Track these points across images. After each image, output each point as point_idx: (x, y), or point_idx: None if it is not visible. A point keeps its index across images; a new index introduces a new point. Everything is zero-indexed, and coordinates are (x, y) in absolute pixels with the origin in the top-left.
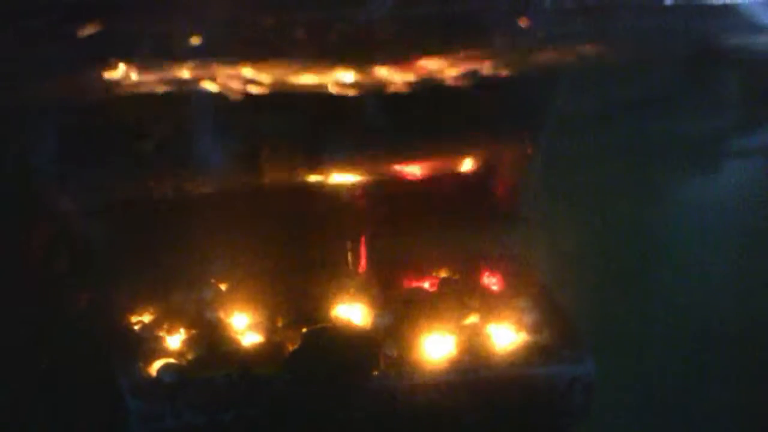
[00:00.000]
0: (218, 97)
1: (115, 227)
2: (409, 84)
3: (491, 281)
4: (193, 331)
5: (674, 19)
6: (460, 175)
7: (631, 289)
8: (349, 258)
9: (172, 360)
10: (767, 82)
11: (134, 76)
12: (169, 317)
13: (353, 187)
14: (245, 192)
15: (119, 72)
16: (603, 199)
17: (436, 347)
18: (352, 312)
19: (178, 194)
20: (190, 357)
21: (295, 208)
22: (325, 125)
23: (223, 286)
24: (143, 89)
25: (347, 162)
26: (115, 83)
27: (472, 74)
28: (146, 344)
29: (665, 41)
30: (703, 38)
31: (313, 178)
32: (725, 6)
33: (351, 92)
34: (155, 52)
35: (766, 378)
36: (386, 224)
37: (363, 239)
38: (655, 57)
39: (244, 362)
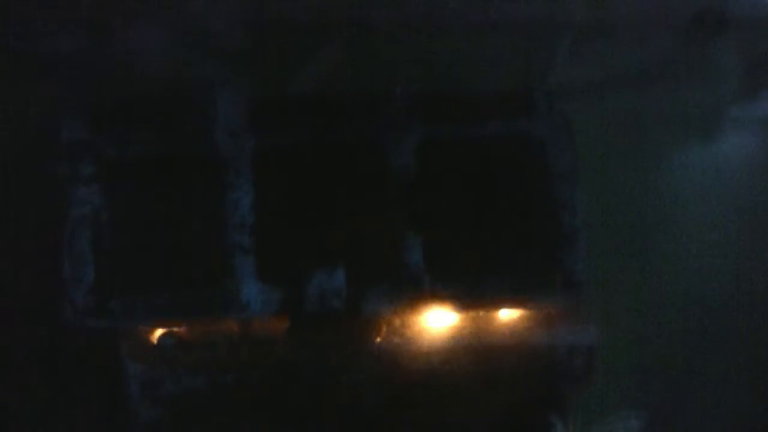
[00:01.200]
0: None
1: None
2: None
3: None
4: None
5: None
6: None
7: (632, 256)
8: None
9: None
10: (762, 49)
11: None
12: None
13: None
14: None
15: None
16: (604, 166)
17: (440, 316)
18: None
19: None
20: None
21: None
22: None
23: None
24: None
25: None
26: None
27: None
28: None
29: (664, 5)
30: (699, 3)
31: None
32: None
33: None
34: None
35: (761, 342)
36: None
37: None
38: (654, 22)
39: (247, 325)
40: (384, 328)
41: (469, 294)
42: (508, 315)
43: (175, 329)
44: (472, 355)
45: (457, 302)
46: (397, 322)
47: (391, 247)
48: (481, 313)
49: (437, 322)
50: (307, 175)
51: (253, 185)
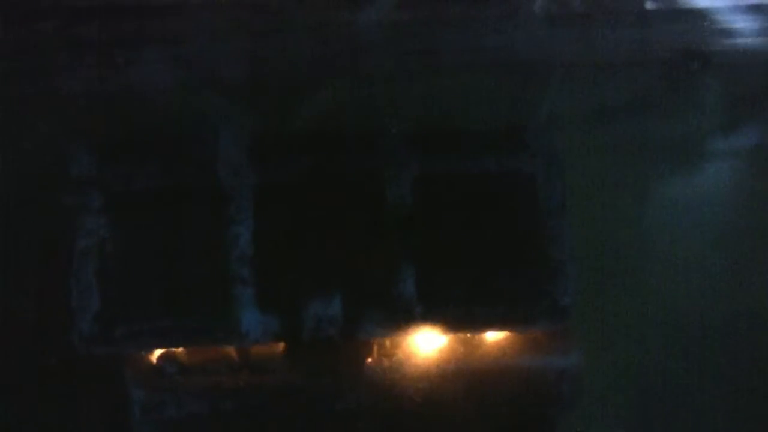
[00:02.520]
0: None
1: None
2: None
3: None
4: None
5: (655, 23)
6: None
7: (616, 284)
8: None
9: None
10: (745, 85)
11: None
12: None
13: None
14: None
15: None
16: (592, 196)
17: (431, 339)
18: None
19: None
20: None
21: None
22: None
23: None
24: None
25: None
26: None
27: None
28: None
29: (646, 45)
30: (683, 42)
31: None
32: (705, 10)
33: None
34: None
35: (749, 367)
36: None
37: None
38: (637, 61)
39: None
40: (375, 352)
41: (459, 323)
42: (496, 339)
43: (178, 356)
44: (462, 378)
45: (448, 329)
46: (388, 346)
47: (386, 277)
48: (471, 336)
49: (427, 345)
50: (306, 209)
51: (254, 219)
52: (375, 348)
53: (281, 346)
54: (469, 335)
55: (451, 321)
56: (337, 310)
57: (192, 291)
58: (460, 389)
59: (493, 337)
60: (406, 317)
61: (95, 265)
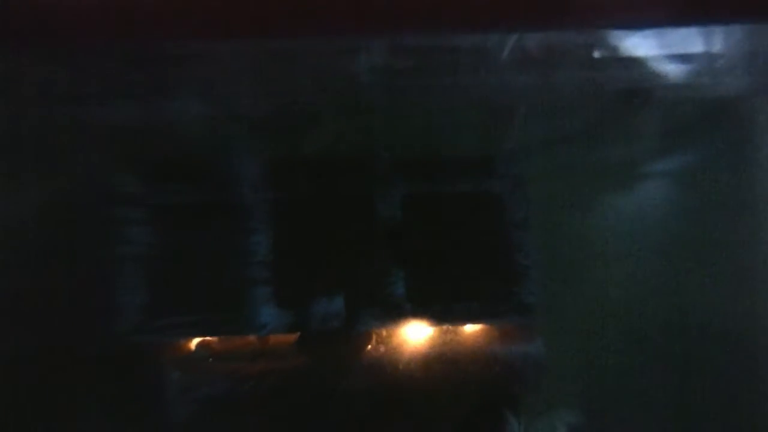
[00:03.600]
0: None
1: None
2: None
3: None
4: None
5: (603, 67)
6: None
7: (572, 284)
8: None
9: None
10: (677, 118)
11: None
12: None
13: None
14: None
15: None
16: (551, 211)
17: (418, 330)
18: None
19: None
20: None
21: None
22: None
23: None
24: None
25: None
26: None
27: None
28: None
29: (596, 85)
30: (627, 82)
31: None
32: (644, 57)
33: None
34: None
35: (681, 348)
36: None
37: None
38: (588, 98)
39: (265, 340)
40: (373, 341)
41: (441, 317)
42: (472, 330)
43: (210, 344)
44: (444, 362)
45: (432, 322)
46: (383, 335)
47: (380, 280)
48: (451, 328)
49: (415, 335)
50: (314, 222)
51: (271, 231)
52: (372, 338)
53: (294, 336)
54: (449, 327)
55: (434, 316)
56: (340, 307)
57: (220, 289)
58: (442, 371)
59: (470, 329)
60: (398, 313)
61: (139, 268)
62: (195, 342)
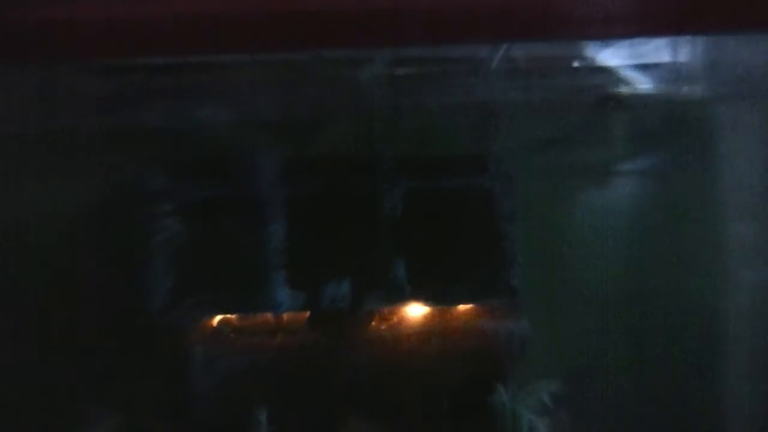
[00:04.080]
0: None
1: None
2: None
3: None
4: None
5: (579, 76)
6: None
7: (553, 269)
8: None
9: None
10: (645, 123)
11: None
12: None
13: None
14: None
15: None
16: (534, 205)
17: (417, 309)
18: None
19: None
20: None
21: None
22: None
23: None
24: None
25: None
26: None
27: None
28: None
29: (573, 92)
30: (601, 89)
31: None
32: (617, 66)
33: None
34: None
35: (651, 325)
36: None
37: None
38: (566, 103)
39: (280, 318)
40: (376, 319)
41: (437, 298)
42: (465, 309)
43: (232, 321)
44: (439, 337)
45: (429, 302)
46: (386, 314)
47: (383, 265)
48: (446, 308)
49: (414, 314)
50: (323, 214)
51: (287, 222)
52: (375, 316)
53: (306, 314)
54: (445, 307)
55: (431, 297)
56: (346, 289)
57: (241, 273)
58: (437, 346)
59: (462, 308)
60: (398, 294)
61: (168, 254)
62: (217, 319)
